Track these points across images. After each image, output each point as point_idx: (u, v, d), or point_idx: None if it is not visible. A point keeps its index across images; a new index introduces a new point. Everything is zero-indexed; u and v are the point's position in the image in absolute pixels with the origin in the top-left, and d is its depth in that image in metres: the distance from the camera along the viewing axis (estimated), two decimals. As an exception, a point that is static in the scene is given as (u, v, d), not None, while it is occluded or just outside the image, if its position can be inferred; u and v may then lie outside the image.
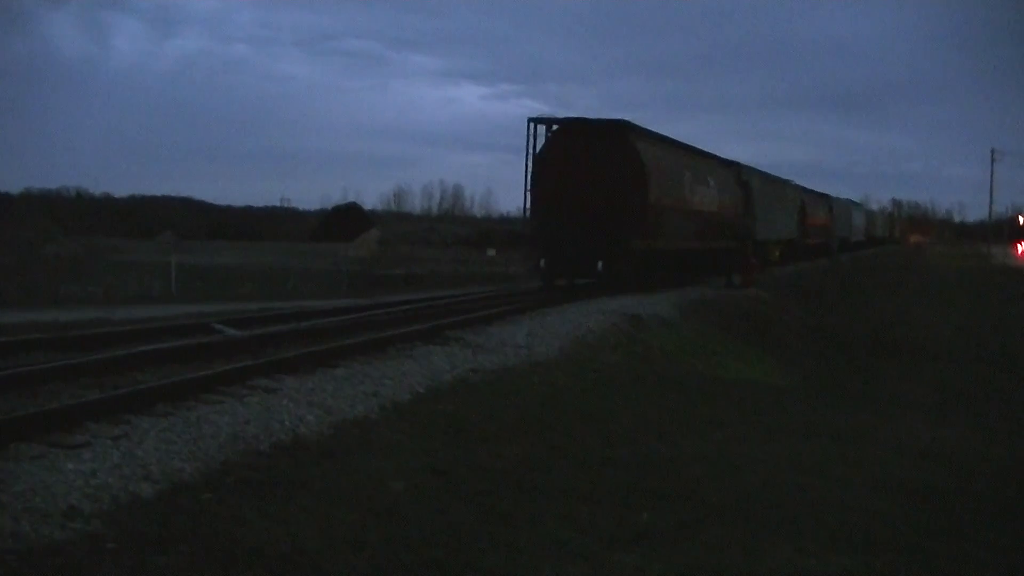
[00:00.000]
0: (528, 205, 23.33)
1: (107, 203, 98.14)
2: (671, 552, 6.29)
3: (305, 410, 9.03)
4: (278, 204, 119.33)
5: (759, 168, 37.32)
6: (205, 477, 6.90)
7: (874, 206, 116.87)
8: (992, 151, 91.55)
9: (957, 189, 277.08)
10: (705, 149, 30.59)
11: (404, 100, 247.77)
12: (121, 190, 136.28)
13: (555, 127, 23.49)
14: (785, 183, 42.59)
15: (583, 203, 22.13)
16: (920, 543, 6.98)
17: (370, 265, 43.81)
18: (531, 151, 23.22)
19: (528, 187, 23.16)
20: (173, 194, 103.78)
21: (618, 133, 22.78)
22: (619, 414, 10.97)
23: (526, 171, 23.13)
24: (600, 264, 21.81)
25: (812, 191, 52.38)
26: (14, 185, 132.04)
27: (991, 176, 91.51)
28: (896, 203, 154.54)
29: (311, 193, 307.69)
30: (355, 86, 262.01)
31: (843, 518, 7.44)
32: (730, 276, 29.64)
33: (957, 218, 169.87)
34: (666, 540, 6.54)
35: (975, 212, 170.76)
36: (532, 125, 23.47)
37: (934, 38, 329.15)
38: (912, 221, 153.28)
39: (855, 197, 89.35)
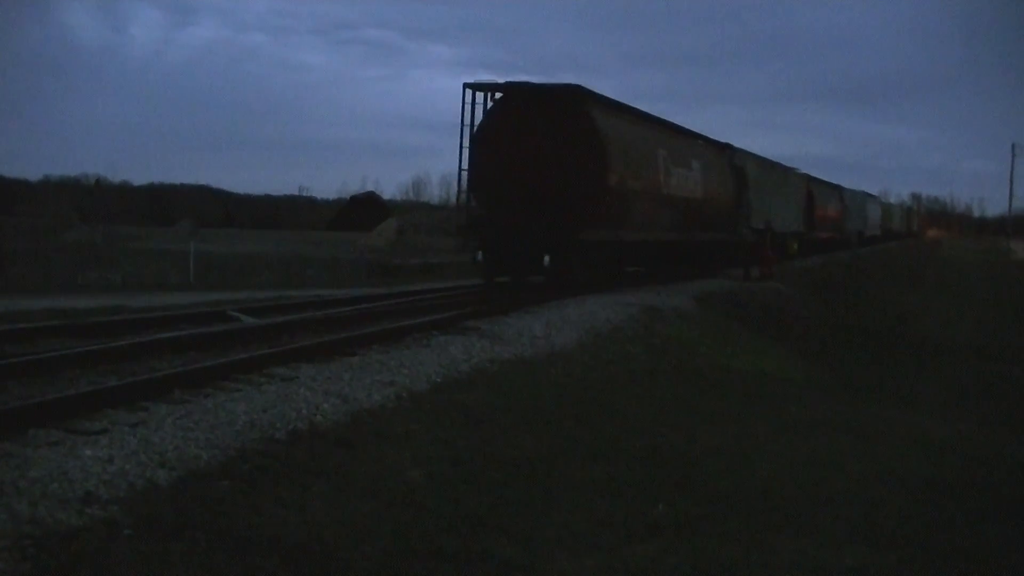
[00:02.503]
0: (463, 188, 19.81)
1: (126, 191, 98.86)
2: (686, 544, 6.28)
3: (322, 398, 9.04)
4: (297, 193, 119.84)
5: (759, 154, 33.91)
6: (222, 464, 6.91)
7: (893, 200, 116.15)
8: (1013, 146, 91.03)
9: (978, 183, 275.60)
10: (696, 129, 27.26)
11: (421, 90, 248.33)
12: (140, 178, 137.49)
13: (497, 95, 19.71)
14: (789, 171, 38.91)
15: (528, 185, 18.77)
16: (935, 537, 6.95)
17: (388, 254, 43.91)
18: (469, 124, 19.54)
19: (463, 166, 19.56)
20: (191, 182, 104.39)
21: (571, 101, 19.07)
22: (635, 405, 10.95)
23: (460, 147, 19.49)
24: (547, 259, 18.40)
25: (822, 181, 48.71)
26: (34, 172, 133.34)
27: (1011, 171, 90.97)
28: (915, 197, 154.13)
29: (330, 182, 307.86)
30: (372, 75, 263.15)
31: (858, 512, 7.42)
32: (747, 269, 29.46)
33: (977, 213, 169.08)
34: (681, 532, 6.53)
35: (996, 207, 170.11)
36: (469, 92, 19.58)
37: (955, 30, 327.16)
38: (931, 215, 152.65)
39: (874, 191, 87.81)
